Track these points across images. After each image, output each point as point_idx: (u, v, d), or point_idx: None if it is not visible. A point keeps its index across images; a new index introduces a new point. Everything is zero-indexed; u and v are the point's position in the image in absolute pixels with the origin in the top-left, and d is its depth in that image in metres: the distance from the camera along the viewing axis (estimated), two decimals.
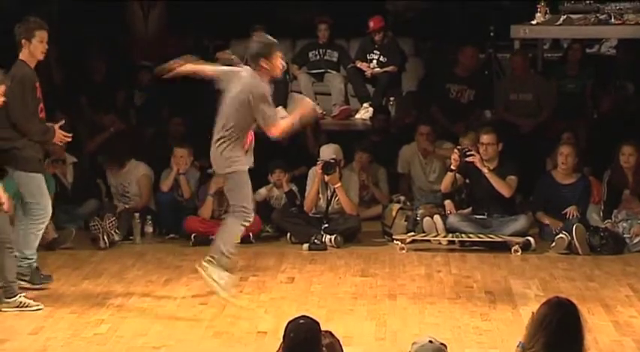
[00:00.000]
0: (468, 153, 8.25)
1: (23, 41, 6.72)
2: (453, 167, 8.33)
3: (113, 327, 6.24)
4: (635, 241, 8.09)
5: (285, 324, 4.19)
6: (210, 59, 10.93)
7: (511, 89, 9.81)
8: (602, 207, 8.42)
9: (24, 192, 6.77)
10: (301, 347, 4.12)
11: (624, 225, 8.21)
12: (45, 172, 6.95)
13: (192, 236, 8.40)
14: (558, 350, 3.81)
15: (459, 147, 8.39)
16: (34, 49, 6.72)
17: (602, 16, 10.11)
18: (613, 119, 9.56)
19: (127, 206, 8.72)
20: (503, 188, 8.24)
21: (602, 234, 8.05)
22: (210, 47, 11.20)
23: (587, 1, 10.32)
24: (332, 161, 8.30)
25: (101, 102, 9.96)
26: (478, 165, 8.23)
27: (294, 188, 8.77)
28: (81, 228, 8.63)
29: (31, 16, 6.83)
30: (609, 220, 8.28)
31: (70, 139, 7.00)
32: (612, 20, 10.10)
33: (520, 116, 9.70)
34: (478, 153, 8.29)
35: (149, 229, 8.67)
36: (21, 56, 6.75)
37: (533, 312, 4.01)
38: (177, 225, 8.60)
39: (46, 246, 7.83)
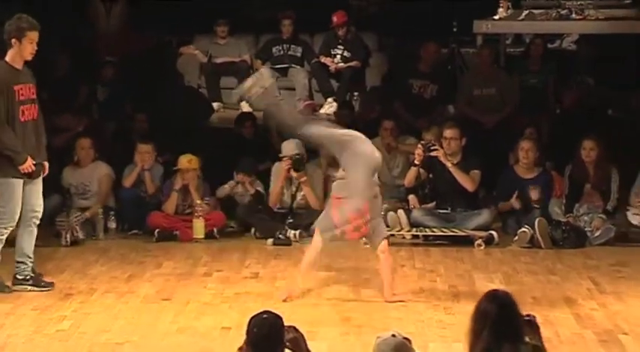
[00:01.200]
0: (432, 147, 8.27)
1: (13, 41, 6.53)
2: (416, 162, 8.36)
3: (76, 323, 6.19)
4: (596, 235, 8.16)
5: (249, 320, 4.18)
6: (174, 54, 10.97)
7: (475, 84, 9.85)
8: (564, 201, 8.47)
9: None
10: (265, 342, 4.11)
11: (585, 218, 8.28)
12: (22, 177, 6.64)
13: (156, 231, 8.37)
14: (504, 341, 3.82)
15: (422, 141, 8.41)
16: (23, 49, 6.54)
17: (564, 12, 10.18)
18: (575, 114, 9.62)
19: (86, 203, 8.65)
20: (467, 182, 8.27)
21: (563, 228, 8.11)
22: (173, 42, 11.16)
23: None
24: (298, 157, 8.29)
25: (63, 98, 9.87)
26: (442, 159, 8.26)
27: (261, 189, 8.72)
28: (43, 223, 8.53)
29: (21, 14, 6.62)
30: (571, 214, 8.35)
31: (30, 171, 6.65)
32: (573, 15, 10.17)
33: (484, 111, 9.73)
34: (442, 147, 8.31)
35: (112, 225, 8.64)
36: (7, 56, 6.57)
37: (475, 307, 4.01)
38: (140, 221, 8.56)
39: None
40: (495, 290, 4.08)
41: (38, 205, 6.79)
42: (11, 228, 6.76)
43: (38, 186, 6.78)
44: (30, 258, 6.83)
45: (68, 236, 8.17)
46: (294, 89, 10.68)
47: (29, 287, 6.79)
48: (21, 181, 6.65)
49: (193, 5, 11.07)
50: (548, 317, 6.26)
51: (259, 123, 9.60)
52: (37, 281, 6.84)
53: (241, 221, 8.62)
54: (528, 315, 4.05)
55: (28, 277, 6.81)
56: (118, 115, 9.95)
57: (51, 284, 6.90)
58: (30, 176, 6.64)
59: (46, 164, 6.82)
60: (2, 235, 6.72)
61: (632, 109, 9.76)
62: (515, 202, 8.40)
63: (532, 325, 4.13)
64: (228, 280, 7.19)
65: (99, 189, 8.69)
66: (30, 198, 6.71)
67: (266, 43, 10.91)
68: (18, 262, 6.81)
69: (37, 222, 6.83)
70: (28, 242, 6.80)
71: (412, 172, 8.43)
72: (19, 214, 6.69)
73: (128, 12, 10.97)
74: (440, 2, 10.94)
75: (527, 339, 3.98)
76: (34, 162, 6.65)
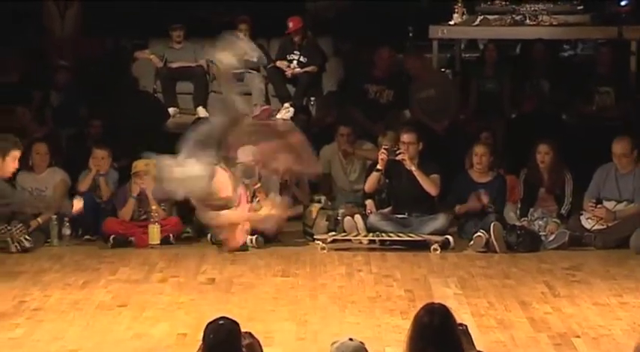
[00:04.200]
0: (398, 151, 8.31)
1: None
2: (379, 167, 8.39)
3: (29, 331, 6.15)
4: (550, 239, 8.25)
5: (205, 326, 4.19)
6: (129, 58, 10.92)
7: (417, 88, 9.90)
8: (519, 206, 8.55)
9: None
10: (221, 348, 4.13)
11: (540, 222, 8.37)
12: None
13: (111, 237, 8.33)
14: None
15: (385, 146, 8.44)
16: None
17: (518, 17, 10.32)
18: (530, 118, 9.71)
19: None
20: (430, 186, 8.33)
21: (518, 232, 8.19)
22: (128, 46, 11.11)
23: (504, 2, 10.51)
24: (251, 164, 8.28)
25: (16, 103, 9.79)
26: (407, 164, 8.30)
27: None
28: None
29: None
30: (525, 218, 8.43)
31: None
32: (527, 21, 10.31)
33: (431, 114, 9.77)
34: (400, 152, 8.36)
35: (67, 232, 8.57)
36: None
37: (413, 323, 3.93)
38: (95, 226, 8.52)
39: None
40: (432, 304, 4.04)
41: None
42: None
43: None
44: None
45: (13, 247, 8.10)
46: (250, 94, 10.68)
47: None
48: None
49: (149, 9, 11.04)
50: (503, 321, 6.34)
51: None
52: None
53: (197, 226, 8.60)
54: (461, 325, 4.06)
55: None
56: (72, 121, 9.89)
57: None
58: None
59: None
60: None
61: (585, 115, 9.87)
62: (475, 202, 8.44)
63: (466, 334, 4.15)
64: (185, 286, 7.18)
65: (54, 195, 8.64)
66: None
67: None
68: None
69: None
70: None
71: (374, 177, 8.47)
72: None
73: (82, 15, 10.90)
74: (396, 8, 11.02)
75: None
76: None
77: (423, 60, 10.05)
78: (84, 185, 8.68)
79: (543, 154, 8.50)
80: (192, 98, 10.68)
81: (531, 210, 8.47)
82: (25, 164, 8.68)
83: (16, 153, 6.50)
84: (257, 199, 8.44)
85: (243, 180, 8.27)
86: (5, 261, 7.86)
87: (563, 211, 8.48)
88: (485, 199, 8.44)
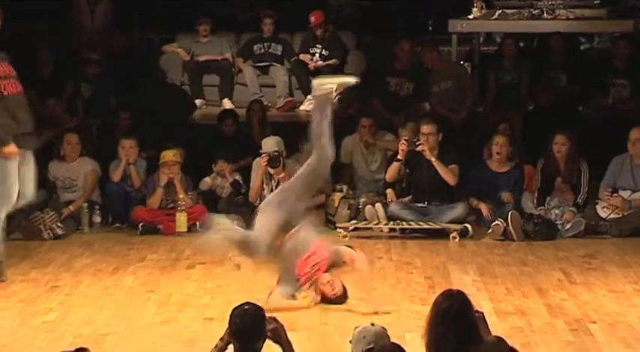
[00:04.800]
0: (418, 143, 8.30)
1: None
2: (400, 157, 8.38)
3: (62, 315, 6.18)
4: (566, 227, 8.21)
5: (230, 311, 4.19)
6: (157, 52, 10.94)
7: (433, 81, 9.87)
8: (536, 195, 8.52)
9: None
10: (246, 333, 4.13)
11: (556, 211, 8.33)
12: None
13: (140, 225, 8.36)
14: (468, 343, 3.75)
15: (406, 138, 8.42)
16: None
17: (535, 11, 10.25)
18: (547, 110, 9.67)
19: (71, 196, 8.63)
20: (449, 176, 8.31)
21: (535, 221, 8.15)
22: (156, 40, 11.14)
23: None
24: (276, 154, 8.28)
25: (49, 95, 9.83)
26: (426, 154, 8.29)
27: (239, 178, 8.75)
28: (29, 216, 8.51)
29: None
30: (542, 207, 8.40)
31: None
32: (545, 15, 10.24)
33: (449, 105, 9.74)
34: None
35: (97, 219, 8.61)
36: None
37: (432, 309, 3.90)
38: (124, 214, 8.55)
39: None
40: (451, 290, 4.01)
41: (15, 191, 6.67)
42: (8, 208, 6.70)
43: (29, 173, 6.74)
44: None
45: (45, 234, 8.14)
46: (274, 86, 10.69)
47: None
48: (14, 162, 6.60)
49: (176, 4, 11.06)
50: (520, 307, 6.31)
51: (241, 120, 9.61)
52: None
53: (223, 214, 8.59)
54: (477, 311, 4.05)
55: None
56: (102, 112, 9.92)
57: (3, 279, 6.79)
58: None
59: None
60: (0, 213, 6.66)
61: (602, 107, 9.81)
62: (484, 208, 8.36)
63: (482, 321, 4.13)
64: (211, 272, 7.19)
65: (85, 184, 8.68)
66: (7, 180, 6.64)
67: (247, 41, 10.90)
68: None
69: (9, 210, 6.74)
70: None
71: (394, 167, 8.46)
72: (16, 194, 6.61)
73: (112, 10, 10.93)
74: (416, 2, 10.98)
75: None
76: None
77: (439, 52, 10.01)
78: (117, 174, 8.71)
79: (560, 145, 8.46)
80: (218, 90, 10.71)
81: (548, 198, 8.43)
82: (57, 154, 8.77)
83: None
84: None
85: (269, 169, 8.29)
86: (38, 247, 7.90)
87: (579, 200, 8.43)
88: (507, 198, 8.39)
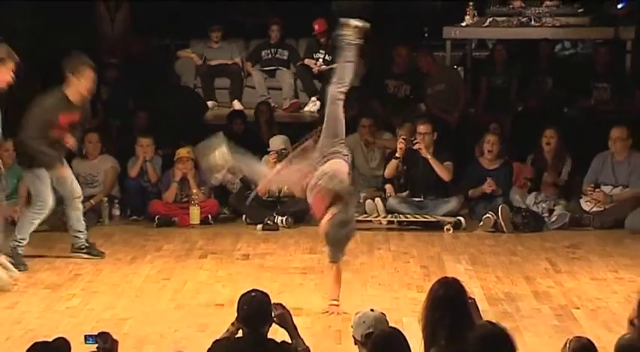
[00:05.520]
0: (415, 141, 8.31)
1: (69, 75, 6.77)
2: (398, 155, 8.39)
3: (84, 301, 6.20)
4: (552, 220, 8.21)
5: (238, 297, 4.19)
6: (172, 57, 10.94)
7: (428, 84, 9.87)
8: (528, 185, 8.52)
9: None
10: (254, 318, 4.13)
11: (543, 205, 8.33)
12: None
13: (156, 218, 8.37)
14: (462, 328, 3.70)
15: (403, 136, 8.43)
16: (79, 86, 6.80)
17: (524, 19, 10.25)
18: (535, 111, 9.66)
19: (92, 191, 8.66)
20: (444, 172, 8.31)
21: (523, 214, 8.16)
22: (171, 46, 11.14)
23: (511, 6, 10.45)
24: (284, 151, 8.29)
25: None
26: (423, 152, 8.29)
27: None
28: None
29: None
30: (538, 198, 8.40)
31: None
32: (532, 22, 10.23)
33: (442, 106, 9.74)
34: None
35: (116, 212, 8.63)
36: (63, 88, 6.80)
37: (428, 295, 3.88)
38: (141, 208, 8.56)
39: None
40: (446, 278, 4.01)
41: (77, 188, 7.13)
42: (45, 215, 6.96)
43: (69, 173, 7.10)
44: (80, 231, 7.16)
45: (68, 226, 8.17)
46: (281, 89, 10.69)
47: (84, 255, 7.13)
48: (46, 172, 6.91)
49: (190, 12, 11.06)
50: (509, 293, 6.32)
51: (249, 120, 9.61)
52: (90, 250, 7.19)
53: (233, 208, 8.62)
54: (470, 298, 4.05)
55: (82, 246, 7.15)
56: (121, 113, 9.93)
57: (102, 254, 7.22)
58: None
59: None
60: (35, 220, 6.94)
61: (585, 108, 9.81)
62: (487, 187, 8.43)
63: (474, 306, 4.13)
64: (222, 262, 7.21)
65: (105, 180, 8.69)
66: (68, 184, 7.03)
67: (256, 47, 10.90)
68: (73, 236, 7.17)
69: (80, 199, 7.16)
70: (75, 220, 7.14)
71: (393, 164, 8.46)
72: (51, 202, 6.94)
73: (130, 18, 10.94)
74: (413, 9, 10.97)
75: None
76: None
77: (433, 57, 10.02)
78: (134, 170, 8.72)
79: (549, 137, 8.49)
80: (229, 92, 10.71)
81: (535, 193, 8.44)
82: (79, 152, 8.77)
83: (10, 64, 6.57)
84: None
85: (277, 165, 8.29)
86: (62, 238, 7.90)
87: (560, 183, 8.40)
88: (492, 187, 8.41)
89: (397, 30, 10.66)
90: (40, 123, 6.79)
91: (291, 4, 10.73)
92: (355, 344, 4.18)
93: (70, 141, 6.93)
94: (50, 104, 6.82)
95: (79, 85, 6.82)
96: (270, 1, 11.08)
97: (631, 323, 4.06)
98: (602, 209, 8.24)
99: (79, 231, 7.16)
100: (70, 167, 8.44)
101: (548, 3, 10.37)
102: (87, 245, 7.19)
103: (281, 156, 8.20)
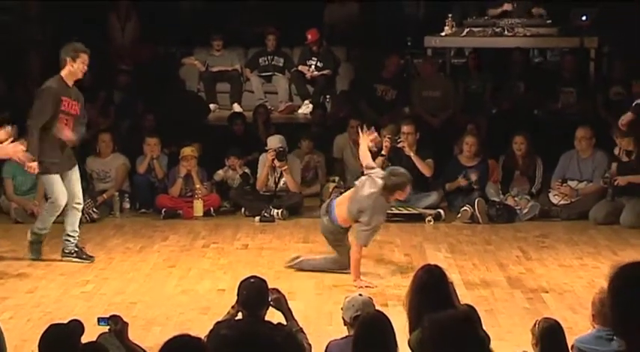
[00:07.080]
0: (399, 140, 8.30)
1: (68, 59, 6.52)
2: (384, 153, 8.37)
3: (97, 286, 6.19)
4: (524, 212, 8.22)
5: (238, 283, 4.19)
6: (177, 64, 10.92)
7: (423, 88, 9.87)
8: (500, 185, 8.52)
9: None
10: (252, 302, 4.14)
11: (515, 199, 8.34)
12: (58, 172, 6.65)
13: (163, 210, 8.35)
14: (442, 309, 3.70)
15: (389, 136, 8.42)
16: (75, 68, 6.55)
17: (498, 29, 10.26)
18: (508, 114, 9.67)
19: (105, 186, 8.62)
20: (425, 169, 8.31)
21: (497, 207, 8.16)
22: (177, 53, 11.11)
23: (486, 17, 10.46)
24: (281, 150, 8.28)
25: (86, 101, 9.78)
26: (406, 150, 8.29)
27: (248, 171, 8.75)
28: None
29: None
30: (509, 193, 8.39)
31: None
32: (506, 33, 10.25)
33: (431, 110, 9.75)
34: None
35: (126, 205, 8.61)
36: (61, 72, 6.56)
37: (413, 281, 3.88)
38: (150, 201, 8.54)
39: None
40: (429, 265, 4.00)
41: (79, 195, 6.76)
42: (58, 212, 6.72)
43: (76, 176, 6.76)
44: (71, 236, 6.75)
45: (83, 218, 8.12)
46: (277, 93, 10.68)
47: (74, 260, 6.73)
48: (58, 176, 6.62)
49: (194, 22, 11.04)
50: (485, 279, 6.33)
51: (248, 121, 9.60)
52: (80, 254, 6.78)
53: (233, 202, 8.61)
54: (450, 282, 4.05)
55: (72, 251, 6.76)
56: (131, 115, 9.90)
57: (92, 258, 6.82)
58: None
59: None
60: (51, 216, 6.71)
61: (552, 111, 9.83)
62: (462, 181, 8.44)
63: (453, 291, 4.12)
64: (223, 251, 7.20)
65: (116, 176, 8.67)
66: (71, 188, 6.69)
67: (254, 54, 10.88)
68: (64, 240, 6.76)
69: (79, 206, 6.79)
70: (69, 223, 6.75)
71: (378, 161, 8.43)
72: (63, 200, 6.63)
73: (140, 28, 10.91)
74: (397, 20, 10.97)
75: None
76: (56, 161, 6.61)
77: (433, 66, 10.05)
78: (142, 167, 8.70)
79: (519, 144, 8.48)
80: (229, 96, 10.69)
81: (508, 188, 8.45)
82: (92, 150, 8.75)
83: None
84: (283, 179, 8.47)
85: (275, 162, 8.28)
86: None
87: (534, 190, 8.44)
88: (475, 177, 8.42)
89: (382, 40, 10.67)
90: (46, 106, 6.43)
91: (287, 15, 10.73)
92: (345, 325, 4.18)
93: (69, 135, 6.54)
94: (50, 85, 6.51)
95: (76, 67, 6.53)
96: (267, 13, 11.07)
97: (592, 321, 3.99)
98: (568, 202, 8.26)
99: (71, 236, 6.71)
100: (85, 164, 8.45)
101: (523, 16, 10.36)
102: (76, 249, 6.73)
103: (280, 154, 8.21)
